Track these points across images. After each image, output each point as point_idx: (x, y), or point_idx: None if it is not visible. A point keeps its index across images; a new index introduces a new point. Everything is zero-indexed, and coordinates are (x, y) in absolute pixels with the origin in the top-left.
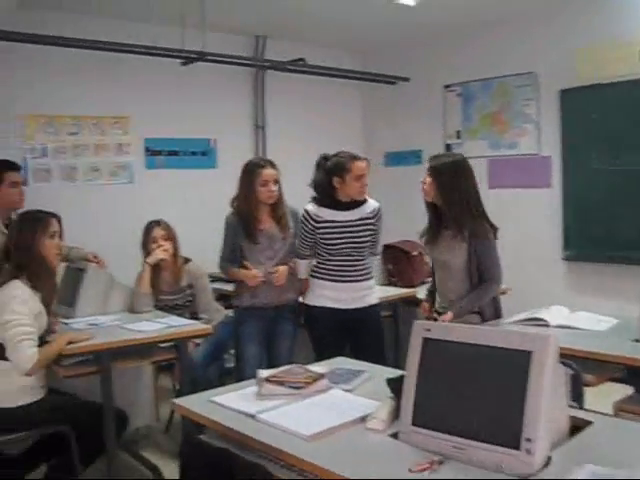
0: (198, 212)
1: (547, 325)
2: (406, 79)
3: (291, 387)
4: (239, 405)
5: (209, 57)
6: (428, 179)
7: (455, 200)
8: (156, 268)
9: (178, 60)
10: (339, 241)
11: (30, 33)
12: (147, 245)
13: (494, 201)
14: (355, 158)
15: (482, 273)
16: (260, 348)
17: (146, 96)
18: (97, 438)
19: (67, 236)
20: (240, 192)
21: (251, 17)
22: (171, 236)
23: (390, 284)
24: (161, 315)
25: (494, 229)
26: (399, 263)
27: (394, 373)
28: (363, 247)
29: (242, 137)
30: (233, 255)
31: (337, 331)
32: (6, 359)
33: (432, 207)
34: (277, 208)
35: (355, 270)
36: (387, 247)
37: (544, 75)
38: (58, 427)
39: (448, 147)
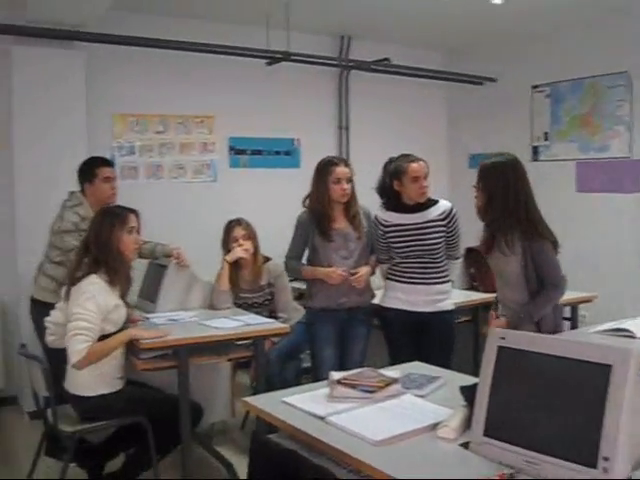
0: (280, 211)
1: (632, 337)
2: (493, 79)
3: (363, 390)
4: (309, 406)
5: (294, 57)
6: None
7: (501, 204)
8: (236, 266)
9: (263, 60)
10: (407, 244)
11: (121, 35)
12: (227, 244)
13: (581, 205)
14: (411, 160)
15: (542, 279)
16: (334, 350)
17: (231, 96)
18: (173, 430)
19: (152, 233)
20: (313, 190)
21: (335, 17)
22: (251, 235)
23: (472, 288)
24: (240, 313)
25: (553, 239)
26: (481, 267)
27: (470, 381)
28: (434, 250)
29: (326, 137)
30: (300, 255)
31: (410, 334)
32: None
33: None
34: (350, 207)
35: (427, 273)
36: (469, 250)
37: (638, 75)
38: (135, 418)
39: (535, 149)
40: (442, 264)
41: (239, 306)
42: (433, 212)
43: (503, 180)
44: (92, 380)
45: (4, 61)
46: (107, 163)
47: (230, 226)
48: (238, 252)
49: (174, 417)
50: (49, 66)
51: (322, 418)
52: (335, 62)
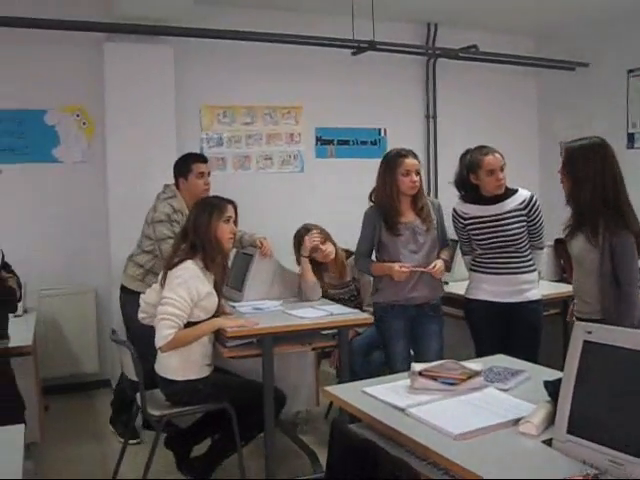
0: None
1: None
2: (585, 64)
3: (444, 383)
4: (390, 397)
5: (380, 46)
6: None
7: (585, 188)
8: (319, 267)
9: (349, 50)
10: (488, 236)
11: (208, 28)
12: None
13: None
14: (485, 153)
15: (616, 276)
16: (406, 345)
17: (317, 86)
18: (257, 417)
19: (239, 222)
20: (380, 183)
21: (421, 4)
22: (327, 236)
23: (562, 280)
24: (326, 303)
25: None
26: (570, 258)
27: (555, 375)
28: (516, 240)
29: (412, 127)
30: (369, 251)
31: (496, 325)
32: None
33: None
34: (418, 199)
35: (511, 263)
36: (558, 241)
37: None
38: (220, 404)
39: (631, 137)
40: (526, 253)
41: None
42: (512, 202)
43: (589, 164)
44: (181, 365)
45: (97, 57)
46: (202, 159)
47: (300, 235)
48: (307, 244)
49: (258, 404)
50: (139, 61)
51: (402, 410)
52: (422, 50)
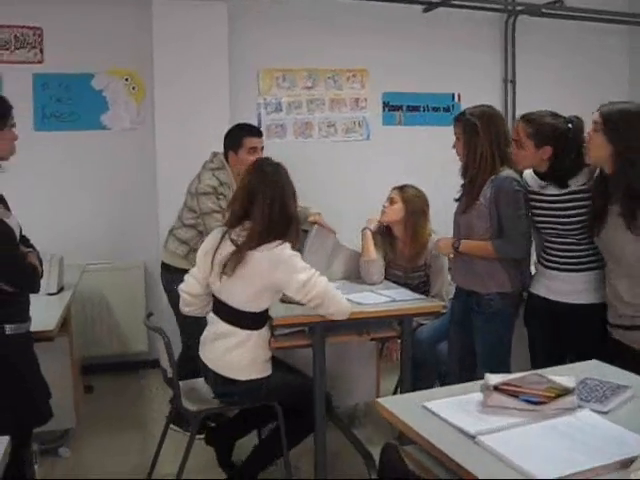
0: (441, 173)
1: None
2: None
3: (526, 401)
4: (456, 418)
5: (453, 2)
6: (593, 133)
7: (629, 160)
8: (390, 236)
9: (419, 6)
10: (545, 219)
11: None
12: None
13: None
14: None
15: None
16: (458, 335)
17: (384, 47)
18: (307, 418)
19: (300, 195)
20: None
21: None
22: (405, 199)
23: None
24: (389, 286)
25: None
26: None
27: None
28: (577, 228)
29: (489, 92)
30: None
31: (549, 327)
32: (246, 327)
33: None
34: None
35: (571, 257)
36: None
37: None
38: (270, 403)
39: None
40: (591, 247)
41: None
42: (576, 181)
43: (635, 130)
44: (250, 364)
45: (144, 15)
46: (255, 133)
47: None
48: (374, 218)
49: (308, 405)
50: (189, 19)
51: (472, 437)
52: (500, 6)
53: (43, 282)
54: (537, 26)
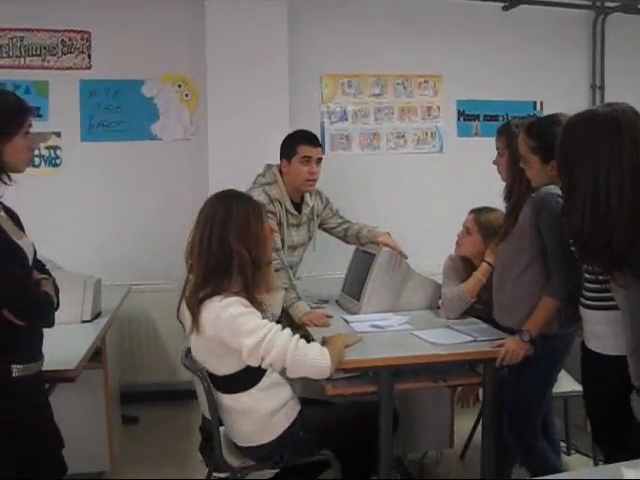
0: None
1: None
2: None
3: None
4: None
5: None
6: None
7: None
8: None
9: (499, 4)
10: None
11: None
12: None
13: None
14: None
15: None
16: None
17: (460, 50)
18: (366, 462)
19: (364, 213)
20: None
21: None
22: (484, 226)
23: None
24: (471, 321)
25: None
26: None
27: None
28: None
29: (574, 99)
30: None
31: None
32: (241, 389)
33: None
34: None
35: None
36: None
37: None
38: (321, 454)
39: None
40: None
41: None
42: None
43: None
44: (259, 428)
45: (197, 17)
46: (311, 140)
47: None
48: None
49: (366, 444)
50: (246, 19)
51: None
52: (589, 3)
53: (76, 309)
54: (631, 25)
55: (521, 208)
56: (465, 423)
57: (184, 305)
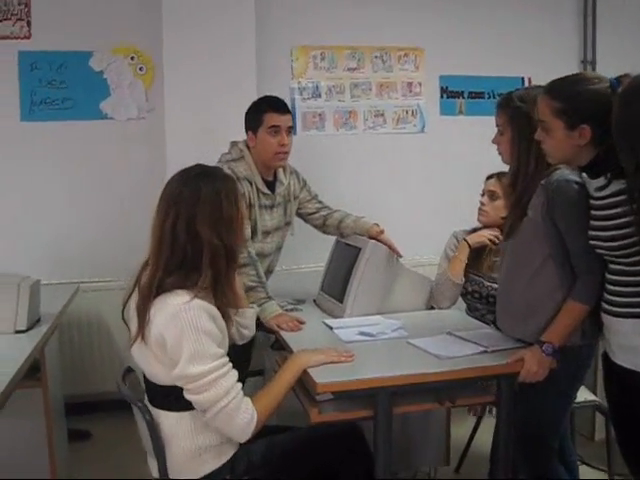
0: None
1: None
2: None
3: None
4: None
5: None
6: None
7: None
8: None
9: None
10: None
11: None
12: None
13: None
14: None
15: None
16: None
17: (444, 21)
18: None
19: (343, 198)
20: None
21: None
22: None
23: None
24: (468, 322)
25: None
26: None
27: None
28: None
29: (564, 75)
30: None
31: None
32: (176, 408)
33: None
34: None
35: (616, 293)
36: None
37: None
38: None
39: None
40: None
41: (471, 303)
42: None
43: None
44: (187, 459)
45: None
46: (278, 107)
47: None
48: (484, 235)
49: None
50: None
51: None
52: None
53: (8, 318)
54: None
55: (530, 198)
56: (460, 431)
57: (132, 303)
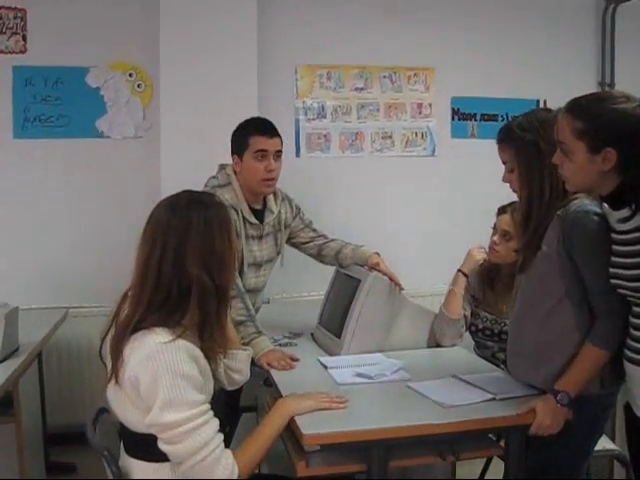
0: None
1: None
2: None
3: None
4: None
5: None
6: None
7: None
8: (489, 273)
9: None
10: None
11: None
12: None
13: None
14: None
15: None
16: None
17: (456, 39)
18: None
19: (348, 223)
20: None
21: None
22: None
23: None
24: (475, 363)
25: None
26: None
27: None
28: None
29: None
30: None
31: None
32: (150, 459)
33: None
34: None
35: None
36: None
37: None
38: None
39: None
40: None
41: (480, 341)
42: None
43: None
44: None
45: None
46: (265, 130)
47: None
48: (475, 256)
49: None
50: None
51: None
52: None
53: None
54: None
55: (544, 232)
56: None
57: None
